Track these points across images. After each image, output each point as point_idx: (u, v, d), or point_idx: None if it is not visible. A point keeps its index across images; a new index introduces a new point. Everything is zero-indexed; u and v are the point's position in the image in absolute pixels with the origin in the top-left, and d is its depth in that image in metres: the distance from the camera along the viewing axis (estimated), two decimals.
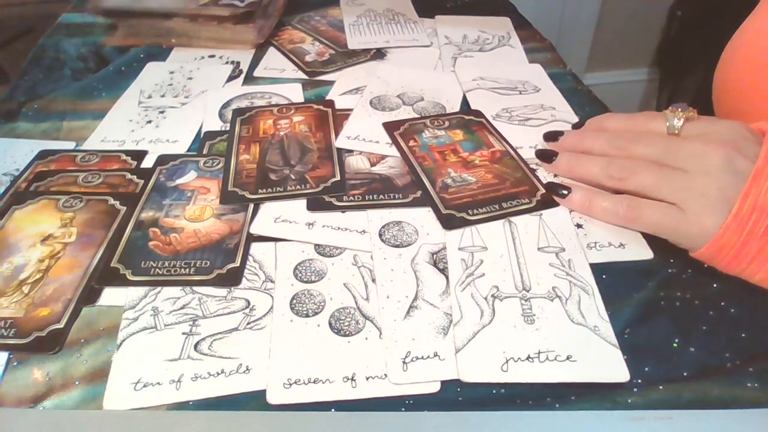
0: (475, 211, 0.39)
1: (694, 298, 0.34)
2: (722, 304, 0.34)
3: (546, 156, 0.42)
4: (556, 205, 0.40)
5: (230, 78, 0.57)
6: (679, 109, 0.37)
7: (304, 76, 0.57)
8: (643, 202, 0.36)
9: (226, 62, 0.60)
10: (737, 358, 0.31)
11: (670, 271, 0.36)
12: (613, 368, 0.30)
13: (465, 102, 0.52)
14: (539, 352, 0.31)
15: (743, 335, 0.32)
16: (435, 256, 0.37)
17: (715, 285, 0.35)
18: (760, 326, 0.32)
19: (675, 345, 0.32)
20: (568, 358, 0.30)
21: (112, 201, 0.41)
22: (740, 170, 0.32)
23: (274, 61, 0.60)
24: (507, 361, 0.30)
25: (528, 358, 0.31)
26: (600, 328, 0.32)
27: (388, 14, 0.67)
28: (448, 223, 0.38)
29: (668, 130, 0.37)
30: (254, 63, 0.59)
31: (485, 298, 0.34)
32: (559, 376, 0.30)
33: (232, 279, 0.35)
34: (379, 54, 0.60)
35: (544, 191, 0.40)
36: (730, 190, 0.32)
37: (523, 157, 0.44)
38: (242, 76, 0.57)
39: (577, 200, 0.39)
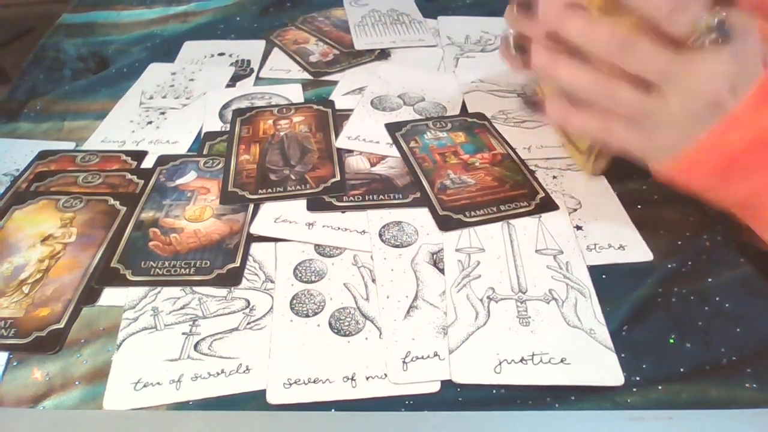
0: (473, 213, 0.39)
1: (690, 294, 0.34)
2: (717, 299, 0.34)
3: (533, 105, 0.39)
4: (556, 208, 0.40)
5: (240, 77, 0.57)
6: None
7: (310, 77, 0.57)
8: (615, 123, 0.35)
9: (234, 62, 0.60)
10: (733, 354, 0.31)
11: (669, 271, 0.36)
12: (608, 371, 0.30)
13: (466, 103, 0.52)
14: (533, 355, 0.31)
15: (738, 330, 0.32)
16: (435, 256, 0.37)
17: (710, 280, 0.35)
18: (757, 324, 0.32)
19: (671, 341, 0.32)
20: (562, 361, 0.30)
21: (112, 201, 0.41)
22: (722, 109, 0.31)
23: (279, 62, 0.60)
24: (500, 363, 0.30)
25: (522, 360, 0.31)
26: (596, 331, 0.32)
27: (393, 14, 0.67)
28: (445, 224, 0.38)
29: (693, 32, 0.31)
30: (260, 63, 0.59)
31: (480, 300, 0.34)
32: (552, 378, 0.30)
33: (232, 279, 0.35)
34: (383, 54, 0.60)
35: (543, 194, 0.40)
36: (700, 131, 0.32)
37: (524, 160, 0.44)
38: (253, 75, 0.58)
39: (553, 110, 0.37)
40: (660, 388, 0.30)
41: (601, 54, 0.33)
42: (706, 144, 0.32)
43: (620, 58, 0.33)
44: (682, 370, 0.30)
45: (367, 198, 0.41)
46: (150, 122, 0.51)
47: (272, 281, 0.35)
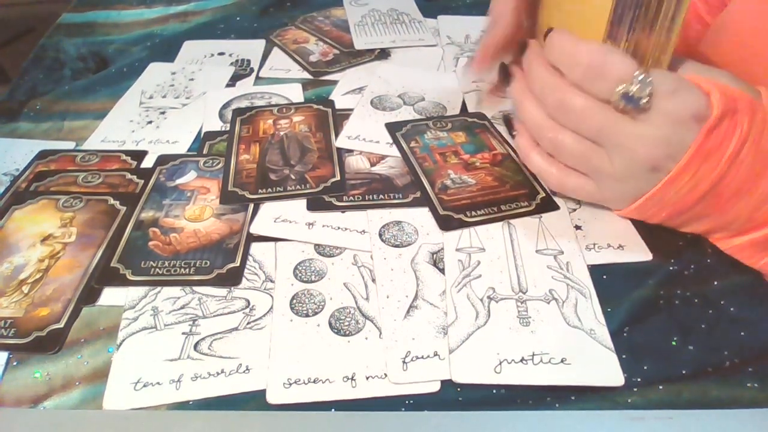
0: (473, 213, 0.39)
1: (693, 297, 0.34)
2: (721, 302, 0.34)
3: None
4: (557, 208, 0.40)
5: (240, 77, 0.57)
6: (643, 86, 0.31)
7: (310, 77, 0.57)
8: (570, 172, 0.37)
9: (234, 61, 0.60)
10: (736, 356, 0.31)
11: (670, 273, 0.36)
12: (608, 372, 0.30)
13: (466, 102, 0.52)
14: (533, 355, 0.31)
15: (742, 333, 0.32)
16: (435, 255, 0.37)
17: (715, 283, 0.35)
18: (762, 328, 0.32)
19: (674, 343, 0.32)
20: (562, 361, 0.30)
21: (112, 201, 0.41)
22: (662, 172, 0.32)
23: (279, 62, 0.60)
24: (500, 363, 0.30)
25: (522, 360, 0.30)
26: (596, 331, 0.32)
27: (393, 14, 0.67)
28: (445, 224, 0.38)
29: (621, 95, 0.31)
30: (260, 63, 0.59)
31: (481, 300, 0.34)
32: (552, 378, 0.30)
33: (232, 279, 0.35)
34: (383, 54, 0.60)
35: (544, 195, 0.40)
36: (644, 188, 0.34)
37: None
38: (253, 75, 0.58)
39: (520, 144, 0.39)
40: (661, 388, 0.29)
41: (543, 103, 0.35)
42: (652, 201, 0.34)
43: (556, 112, 0.34)
44: (683, 372, 0.30)
45: (367, 198, 0.41)
46: (150, 122, 0.51)
47: (272, 281, 0.35)
